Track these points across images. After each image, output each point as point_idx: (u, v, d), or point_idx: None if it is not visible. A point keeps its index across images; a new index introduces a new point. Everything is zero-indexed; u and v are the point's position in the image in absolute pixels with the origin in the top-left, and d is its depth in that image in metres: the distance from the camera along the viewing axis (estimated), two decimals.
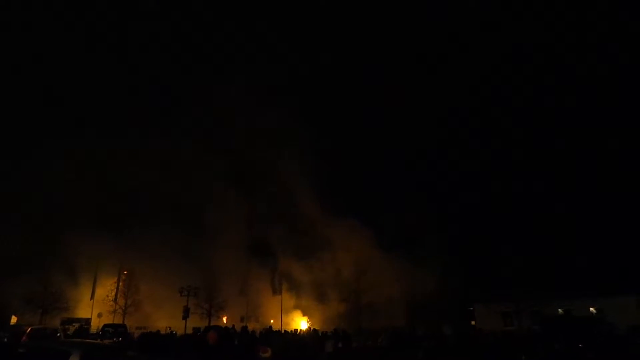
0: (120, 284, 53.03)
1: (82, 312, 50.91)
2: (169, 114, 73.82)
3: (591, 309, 38.84)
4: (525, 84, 70.86)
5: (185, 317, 44.64)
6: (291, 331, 38.04)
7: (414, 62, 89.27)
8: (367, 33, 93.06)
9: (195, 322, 48.44)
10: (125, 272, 54.06)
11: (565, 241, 47.29)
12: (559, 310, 38.89)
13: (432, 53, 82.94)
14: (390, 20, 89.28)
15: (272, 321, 55.66)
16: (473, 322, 47.27)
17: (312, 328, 39.08)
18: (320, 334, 23.05)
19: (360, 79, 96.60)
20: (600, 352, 18.21)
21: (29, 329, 27.53)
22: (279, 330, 37.74)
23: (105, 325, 36.88)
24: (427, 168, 72.56)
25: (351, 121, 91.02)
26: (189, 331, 41.03)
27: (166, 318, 50.77)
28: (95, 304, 50.92)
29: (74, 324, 44.54)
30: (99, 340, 27.45)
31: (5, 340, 24.70)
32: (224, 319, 53.66)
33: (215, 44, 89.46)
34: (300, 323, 57.39)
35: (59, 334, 29.91)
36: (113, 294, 51.93)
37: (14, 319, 40.61)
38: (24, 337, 24.20)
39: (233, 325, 37.11)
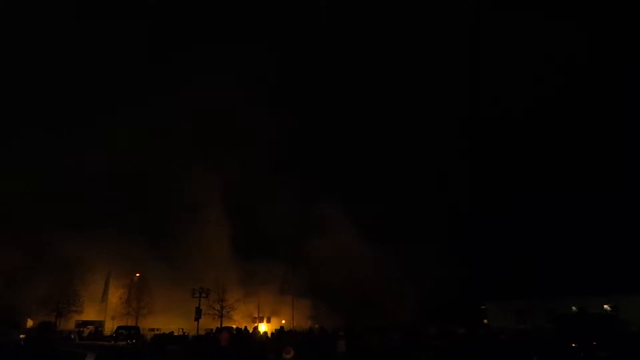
0: (133, 286, 53.64)
1: (96, 314, 51.47)
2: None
3: (605, 306, 38.38)
4: (525, 84, 69.87)
5: (197, 319, 44.91)
6: (303, 331, 38.13)
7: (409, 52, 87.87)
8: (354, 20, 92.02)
9: (207, 323, 48.75)
10: (138, 275, 54.62)
11: (578, 238, 46.77)
12: (573, 308, 38.49)
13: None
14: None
15: (283, 321, 55.84)
16: (485, 321, 46.97)
17: (322, 327, 39.11)
18: (331, 333, 23.08)
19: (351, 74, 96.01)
20: (615, 350, 17.99)
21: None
22: (291, 330, 37.84)
23: (119, 328, 37.27)
24: (440, 169, 71.98)
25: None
26: (202, 332, 41.30)
27: (178, 320, 51.15)
28: (108, 306, 51.48)
29: (88, 327, 45.07)
30: (112, 343, 27.79)
31: (22, 343, 24.99)
32: (235, 319, 53.96)
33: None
34: (310, 322, 57.51)
35: (73, 337, 30.28)
36: (126, 296, 52.51)
37: (29, 322, 41.18)
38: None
39: (245, 327, 37.31)
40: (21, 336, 25.84)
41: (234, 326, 46.20)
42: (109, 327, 46.71)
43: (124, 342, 29.90)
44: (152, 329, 46.76)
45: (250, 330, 30.95)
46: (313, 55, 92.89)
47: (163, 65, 78.22)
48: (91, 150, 62.05)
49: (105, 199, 60.49)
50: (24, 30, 67.95)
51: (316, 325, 47.70)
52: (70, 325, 45.45)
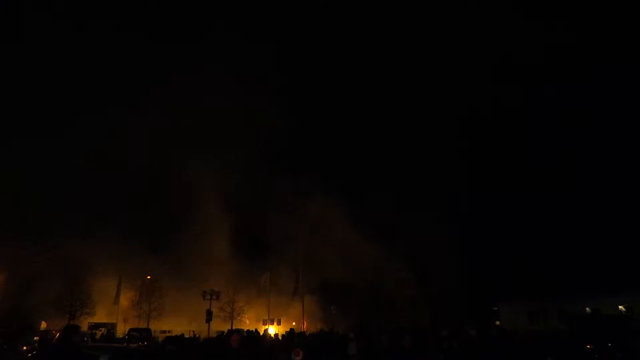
0: (144, 288, 54.02)
1: (108, 316, 51.95)
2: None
3: (620, 307, 37.80)
4: (527, 84, 69.07)
5: (208, 321, 45.13)
6: (314, 333, 38.06)
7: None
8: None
9: (218, 325, 48.96)
10: (149, 277, 55.02)
11: (592, 237, 46.15)
12: (587, 308, 37.97)
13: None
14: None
15: (293, 323, 55.80)
16: (498, 322, 46.52)
17: (333, 329, 39.01)
18: (342, 335, 22.98)
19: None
20: (631, 352, 17.68)
21: (58, 334, 28.02)
22: (302, 332, 37.81)
23: (131, 330, 37.57)
24: (449, 168, 71.48)
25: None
26: (212, 334, 41.44)
27: (190, 322, 51.43)
28: (119, 308, 51.92)
29: (100, 329, 45.51)
30: (125, 345, 28.01)
31: (36, 345, 25.21)
32: (247, 322, 54.06)
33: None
34: (321, 324, 57.36)
35: (85, 339, 30.53)
36: (137, 298, 52.92)
37: (43, 325, 41.69)
38: (54, 342, 24.65)
39: (256, 329, 37.32)
40: (35, 338, 26.09)
41: (245, 326, 46.34)
42: (121, 329, 47.11)
43: (136, 344, 30.12)
44: (164, 331, 47.09)
45: (261, 333, 30.97)
46: (313, 51, 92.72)
47: (162, 65, 78.66)
48: (90, 151, 62.48)
49: (107, 201, 60.77)
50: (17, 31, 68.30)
51: (327, 328, 47.59)
52: (83, 327, 45.91)
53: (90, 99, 70.00)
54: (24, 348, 22.05)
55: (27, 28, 68.55)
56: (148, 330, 38.88)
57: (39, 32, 67.58)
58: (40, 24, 67.41)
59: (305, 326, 54.33)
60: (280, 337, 27.51)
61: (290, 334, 29.25)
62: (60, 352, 7.69)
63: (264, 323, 53.85)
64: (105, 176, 61.06)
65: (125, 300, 53.11)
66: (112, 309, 51.95)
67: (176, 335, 34.04)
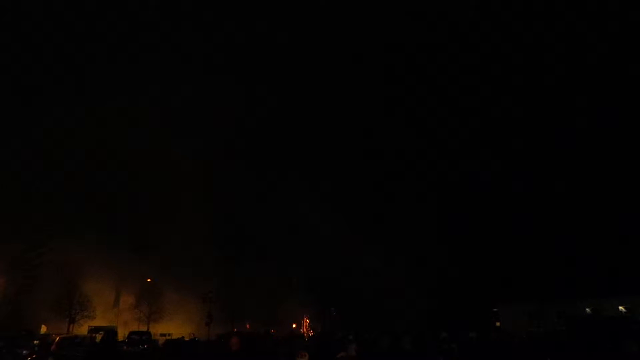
0: (144, 291, 53.94)
1: (107, 320, 51.83)
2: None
3: (620, 307, 37.79)
4: (527, 82, 69.08)
5: (208, 323, 45.07)
6: (313, 335, 38.07)
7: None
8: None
9: (218, 328, 48.91)
10: (149, 280, 54.97)
11: (592, 239, 46.12)
12: (587, 310, 37.97)
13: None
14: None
15: (294, 325, 55.81)
16: (498, 324, 46.49)
17: (332, 331, 39.01)
18: (341, 337, 22.97)
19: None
20: (632, 353, 17.67)
21: (58, 337, 27.91)
22: (302, 334, 37.81)
23: (131, 333, 37.48)
24: (450, 167, 71.47)
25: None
26: (212, 337, 41.39)
27: (190, 324, 51.34)
28: (120, 312, 51.86)
29: (100, 332, 45.37)
30: (125, 348, 27.99)
31: (36, 349, 25.16)
32: (247, 325, 54.01)
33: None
34: (320, 326, 57.27)
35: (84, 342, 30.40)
36: (135, 301, 52.84)
37: (43, 328, 41.56)
38: (53, 346, 24.58)
39: (257, 331, 37.32)
40: (35, 342, 26.04)
41: (246, 329, 46.27)
42: (121, 332, 47.01)
43: (132, 347, 30.05)
44: (163, 334, 47.01)
45: (261, 335, 30.99)
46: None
47: (159, 63, 78.45)
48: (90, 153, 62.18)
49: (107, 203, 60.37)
50: None
51: (326, 329, 47.54)
52: (83, 330, 45.83)
53: (87, 101, 69.72)
54: (24, 352, 22.09)
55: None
56: (148, 333, 38.77)
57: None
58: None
59: (305, 328, 54.32)
60: (281, 339, 27.51)
61: (291, 335, 29.28)
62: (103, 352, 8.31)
63: (265, 325, 53.85)
64: (104, 178, 60.97)
65: (123, 303, 53.06)
66: (112, 312, 51.89)
67: (176, 339, 33.97)
